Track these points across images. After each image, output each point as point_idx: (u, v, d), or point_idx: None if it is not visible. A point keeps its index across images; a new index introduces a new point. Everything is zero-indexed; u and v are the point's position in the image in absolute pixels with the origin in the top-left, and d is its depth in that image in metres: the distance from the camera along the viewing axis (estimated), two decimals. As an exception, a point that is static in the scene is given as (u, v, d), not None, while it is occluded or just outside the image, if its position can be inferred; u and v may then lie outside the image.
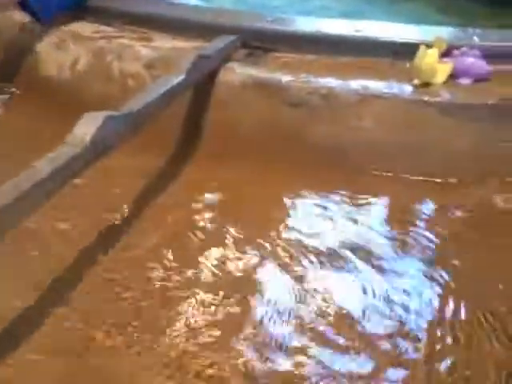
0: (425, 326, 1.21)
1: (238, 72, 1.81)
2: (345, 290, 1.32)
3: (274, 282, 1.34)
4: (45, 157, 1.26)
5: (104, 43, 1.99)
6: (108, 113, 1.37)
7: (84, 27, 2.11)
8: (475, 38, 1.84)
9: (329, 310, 1.25)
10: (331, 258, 1.40)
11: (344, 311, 1.25)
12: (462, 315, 1.24)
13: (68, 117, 1.44)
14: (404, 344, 1.17)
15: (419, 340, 1.18)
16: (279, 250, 1.43)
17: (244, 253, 1.42)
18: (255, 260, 1.40)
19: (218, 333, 1.20)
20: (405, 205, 1.61)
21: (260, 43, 1.91)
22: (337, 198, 1.62)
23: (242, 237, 1.47)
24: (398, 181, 1.68)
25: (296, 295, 1.30)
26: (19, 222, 1.16)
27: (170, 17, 2.02)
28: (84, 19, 2.15)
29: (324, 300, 1.28)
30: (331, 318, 1.23)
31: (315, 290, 1.31)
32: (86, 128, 1.31)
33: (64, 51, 2.03)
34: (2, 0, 2.26)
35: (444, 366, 1.13)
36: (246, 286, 1.32)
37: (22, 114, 1.98)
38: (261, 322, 1.23)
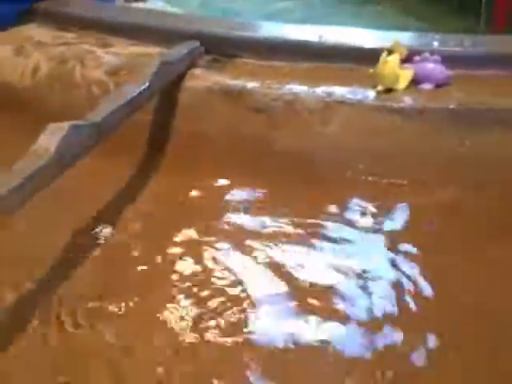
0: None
1: (202, 78, 1.81)
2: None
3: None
4: (7, 169, 1.23)
5: (65, 49, 1.96)
6: (72, 123, 1.35)
7: (42, 32, 2.08)
8: (435, 43, 1.87)
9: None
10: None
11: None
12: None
13: (30, 125, 1.43)
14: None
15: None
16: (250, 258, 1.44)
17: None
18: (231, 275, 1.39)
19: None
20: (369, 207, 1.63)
21: (223, 49, 1.90)
22: (301, 203, 1.64)
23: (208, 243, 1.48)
24: (364, 184, 1.71)
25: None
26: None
27: (132, 22, 2.00)
28: (40, 24, 2.11)
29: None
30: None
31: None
32: (51, 139, 1.29)
33: (24, 57, 1.99)
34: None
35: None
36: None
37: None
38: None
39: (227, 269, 1.40)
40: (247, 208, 1.62)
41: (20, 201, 1.20)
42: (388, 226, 1.56)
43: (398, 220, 1.58)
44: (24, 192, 1.21)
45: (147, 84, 1.60)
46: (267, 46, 1.91)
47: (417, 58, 1.80)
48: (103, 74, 1.86)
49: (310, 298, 1.32)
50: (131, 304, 1.30)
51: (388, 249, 1.47)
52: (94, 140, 1.41)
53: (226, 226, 1.55)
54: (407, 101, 1.74)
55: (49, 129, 1.33)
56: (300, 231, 1.53)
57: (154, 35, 1.94)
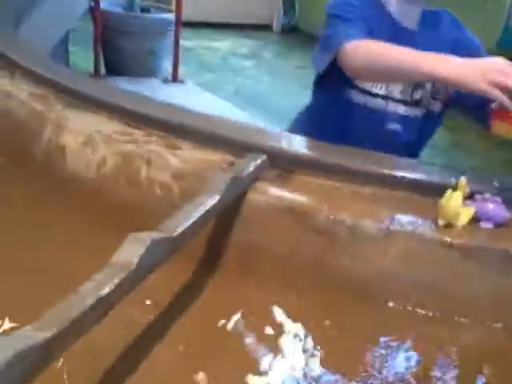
0: None
1: (265, 193, 1.85)
2: None
3: None
4: (89, 280, 1.24)
5: (133, 147, 2.01)
6: (152, 235, 1.38)
7: (111, 127, 2.14)
8: (495, 183, 1.92)
9: None
10: None
11: None
12: None
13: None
14: None
15: None
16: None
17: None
18: None
19: None
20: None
21: (288, 165, 1.94)
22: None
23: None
24: (415, 317, 1.71)
25: None
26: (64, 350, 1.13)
27: (201, 129, 2.05)
28: (110, 118, 2.18)
29: None
30: None
31: None
32: (133, 251, 1.31)
33: (91, 150, 2.05)
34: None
35: None
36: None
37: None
38: None
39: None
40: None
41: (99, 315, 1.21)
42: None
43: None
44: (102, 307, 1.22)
45: (219, 198, 1.64)
46: (327, 167, 1.95)
47: (478, 196, 1.84)
48: (169, 177, 1.90)
49: None
50: None
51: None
52: (171, 253, 1.43)
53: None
54: (466, 238, 1.76)
55: (129, 239, 1.35)
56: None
57: (221, 144, 1.99)
